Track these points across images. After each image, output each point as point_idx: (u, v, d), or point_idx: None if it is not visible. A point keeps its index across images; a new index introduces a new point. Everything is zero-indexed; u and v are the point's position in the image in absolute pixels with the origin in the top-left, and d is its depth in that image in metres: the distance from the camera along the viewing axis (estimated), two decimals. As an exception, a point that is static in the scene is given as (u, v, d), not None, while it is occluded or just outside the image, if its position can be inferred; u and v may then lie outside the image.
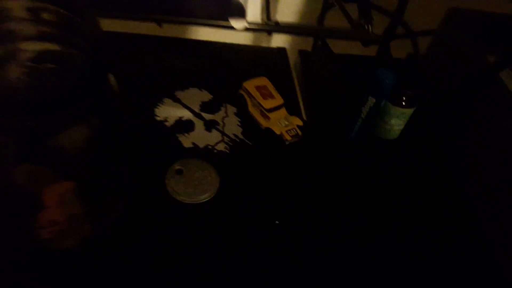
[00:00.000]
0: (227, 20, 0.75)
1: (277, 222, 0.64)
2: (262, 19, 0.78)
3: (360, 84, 0.75)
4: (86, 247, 0.49)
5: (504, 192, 0.66)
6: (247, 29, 0.79)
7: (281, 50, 0.96)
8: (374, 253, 0.63)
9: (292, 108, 0.80)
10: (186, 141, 0.72)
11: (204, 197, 0.64)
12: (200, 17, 0.78)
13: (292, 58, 0.97)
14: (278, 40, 1.02)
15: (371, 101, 0.70)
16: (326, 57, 1.00)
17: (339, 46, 1.01)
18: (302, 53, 0.98)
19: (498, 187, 0.67)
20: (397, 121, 0.76)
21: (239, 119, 0.78)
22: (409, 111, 0.74)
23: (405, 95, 0.72)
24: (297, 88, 0.89)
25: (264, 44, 0.98)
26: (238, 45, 0.93)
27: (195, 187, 0.65)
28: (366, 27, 0.80)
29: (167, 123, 0.74)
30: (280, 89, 0.80)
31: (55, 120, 0.39)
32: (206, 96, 0.81)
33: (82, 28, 0.42)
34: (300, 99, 0.86)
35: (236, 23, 0.74)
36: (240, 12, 0.73)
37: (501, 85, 0.66)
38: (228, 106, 0.80)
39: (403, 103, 0.73)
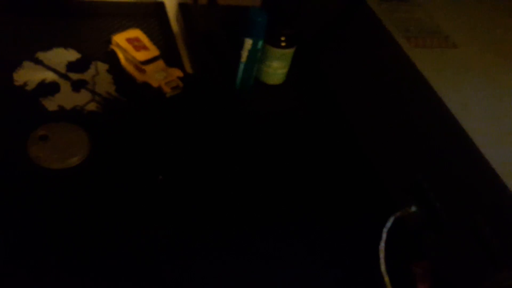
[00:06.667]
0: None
1: (160, 177, 0.60)
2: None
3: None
4: None
5: (377, 113, 0.67)
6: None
7: (158, 5, 0.90)
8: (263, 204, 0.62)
9: (172, 61, 0.75)
10: (51, 104, 0.64)
11: (73, 160, 0.58)
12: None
13: (172, 12, 0.91)
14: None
15: (248, 42, 0.67)
16: (210, 9, 0.96)
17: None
18: (182, 6, 0.92)
19: (373, 108, 0.68)
20: (279, 63, 0.74)
21: (111, 76, 0.71)
22: (289, 52, 0.73)
23: (282, 34, 0.71)
24: (179, 41, 0.84)
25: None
26: (106, 2, 0.84)
27: (62, 152, 0.58)
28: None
29: (27, 87, 0.66)
30: (158, 42, 0.74)
31: None
32: (73, 55, 0.73)
33: None
34: (181, 53, 0.81)
35: None
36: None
37: (368, 11, 0.66)
38: (99, 63, 0.72)
39: (282, 44, 0.71)
